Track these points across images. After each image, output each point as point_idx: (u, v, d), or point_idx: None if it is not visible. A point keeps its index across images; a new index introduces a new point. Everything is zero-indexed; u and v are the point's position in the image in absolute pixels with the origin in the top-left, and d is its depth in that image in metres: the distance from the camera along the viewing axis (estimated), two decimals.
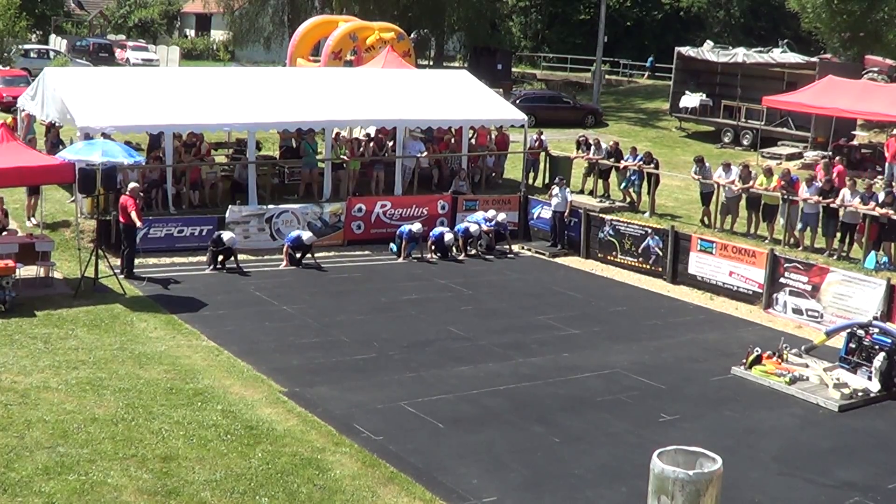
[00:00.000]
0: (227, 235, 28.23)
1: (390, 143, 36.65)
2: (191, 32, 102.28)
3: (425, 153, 36.70)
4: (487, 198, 34.98)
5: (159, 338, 21.59)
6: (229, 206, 30.19)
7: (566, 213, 33.04)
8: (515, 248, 33.28)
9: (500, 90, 51.49)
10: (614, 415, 19.27)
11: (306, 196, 33.93)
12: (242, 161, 33.63)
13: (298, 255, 29.13)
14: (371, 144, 36.17)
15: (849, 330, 22.92)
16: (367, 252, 31.18)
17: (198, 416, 17.32)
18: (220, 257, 28.21)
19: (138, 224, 26.23)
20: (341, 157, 34.56)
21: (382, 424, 17.69)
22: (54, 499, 13.89)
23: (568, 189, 33.77)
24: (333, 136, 35.04)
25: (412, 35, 66.45)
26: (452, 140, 38.50)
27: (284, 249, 29.12)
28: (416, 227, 31.14)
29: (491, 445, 17.29)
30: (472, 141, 38.91)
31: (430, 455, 16.61)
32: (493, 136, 39.80)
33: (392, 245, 31.32)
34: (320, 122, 34.11)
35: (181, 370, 19.61)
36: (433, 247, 31.50)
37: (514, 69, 75.60)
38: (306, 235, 29.21)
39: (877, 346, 21.94)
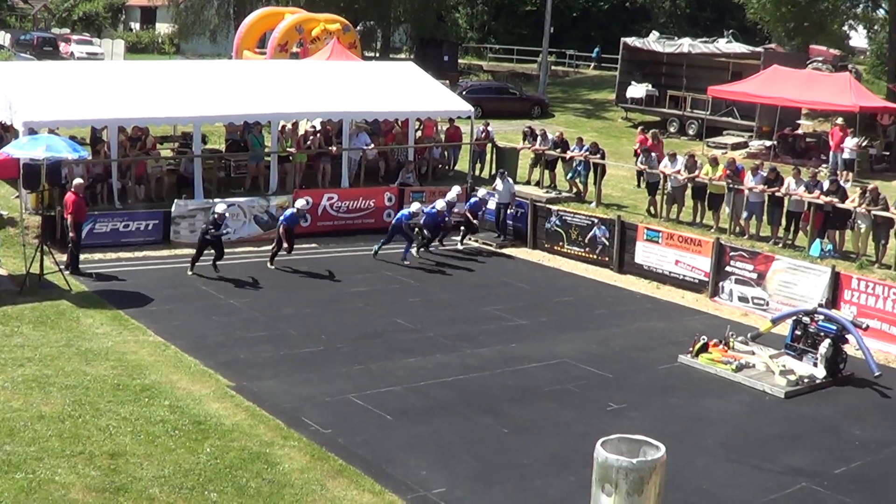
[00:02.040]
0: (220, 208, 27.91)
1: (336, 136, 36.60)
2: (136, 26, 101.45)
3: (371, 145, 36.65)
4: (434, 189, 34.98)
5: (106, 334, 21.46)
6: (175, 201, 30.04)
7: (510, 204, 33.12)
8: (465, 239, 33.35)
9: (447, 82, 51.57)
10: (562, 404, 19.37)
11: (253, 189, 33.83)
12: (188, 155, 33.46)
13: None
14: (317, 136, 36.07)
15: (794, 317, 23.16)
16: (314, 245, 31.10)
17: (145, 412, 17.25)
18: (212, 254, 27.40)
19: (71, 234, 25.97)
20: (287, 149, 34.51)
21: (331, 417, 17.70)
22: (1, 497, 13.80)
23: (511, 180, 33.76)
24: (279, 128, 34.96)
25: (358, 27, 66.34)
26: (399, 132, 38.50)
27: (280, 230, 28.70)
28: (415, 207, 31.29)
29: (439, 437, 17.35)
30: (419, 133, 38.95)
31: (379, 447, 16.64)
32: (440, 128, 39.90)
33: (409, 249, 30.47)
34: (266, 115, 33.99)
35: (128, 366, 19.51)
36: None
37: (460, 60, 75.57)
38: (301, 203, 29.40)
39: (822, 333, 22.18)
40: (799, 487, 16.51)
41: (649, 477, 11.71)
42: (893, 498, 16.39)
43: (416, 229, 30.83)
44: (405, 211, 30.82)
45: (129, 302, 24.06)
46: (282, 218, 29.03)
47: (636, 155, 37.16)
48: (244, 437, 16.53)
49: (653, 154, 34.20)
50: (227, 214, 27.63)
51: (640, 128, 44.21)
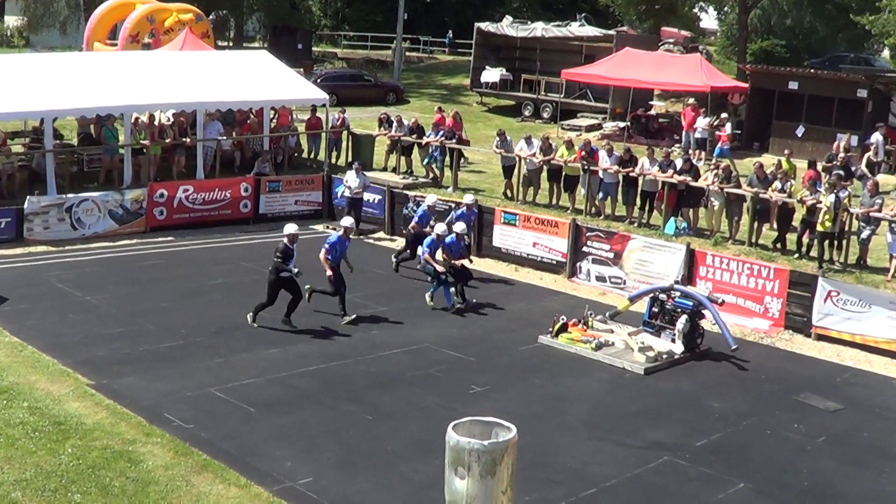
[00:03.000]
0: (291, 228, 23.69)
1: (191, 127, 36.25)
2: None
3: (224, 136, 36.35)
4: (291, 178, 34.83)
5: None
6: (28, 197, 29.41)
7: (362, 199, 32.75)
8: (320, 227, 33.23)
9: (301, 70, 51.37)
10: (425, 389, 19.46)
11: (107, 183, 33.32)
12: (40, 150, 32.87)
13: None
14: (173, 128, 35.67)
15: (651, 295, 23.51)
16: (170, 238, 30.73)
17: (4, 414, 16.90)
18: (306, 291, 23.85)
19: None
20: (141, 142, 34.07)
21: (193, 412, 17.55)
22: None
23: (365, 174, 33.40)
24: (133, 121, 34.49)
25: (211, 16, 65.65)
26: (254, 121, 38.26)
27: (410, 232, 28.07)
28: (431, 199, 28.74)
29: (303, 427, 17.30)
30: (274, 122, 38.75)
31: (243, 440, 16.56)
32: (296, 116, 39.74)
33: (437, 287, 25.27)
34: (119, 108, 33.45)
35: None
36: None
37: (314, 48, 75.32)
38: (431, 199, 28.69)
39: (679, 310, 22.57)
40: (661, 461, 16.80)
41: (501, 458, 11.77)
42: (753, 467, 16.76)
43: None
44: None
45: None
46: (415, 219, 28.51)
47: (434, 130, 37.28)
48: (106, 435, 16.29)
49: (508, 138, 34.42)
50: (297, 235, 23.32)
51: (437, 106, 44.25)
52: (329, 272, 23.35)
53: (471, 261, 26.59)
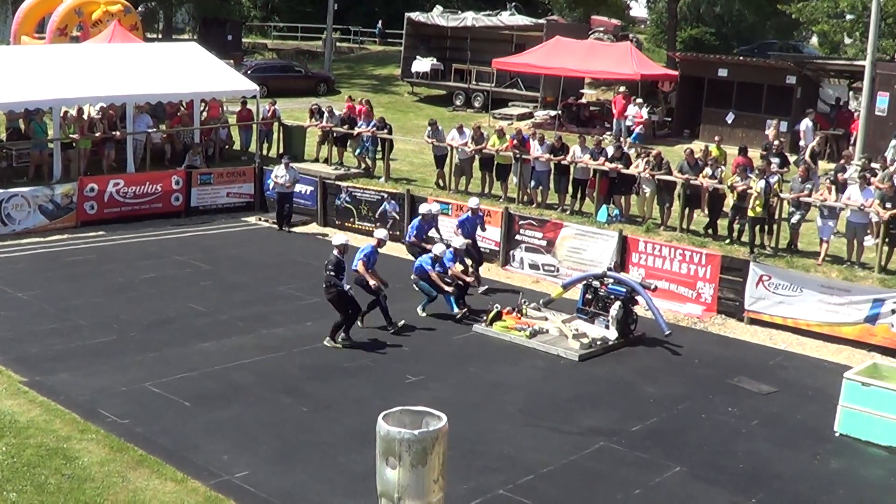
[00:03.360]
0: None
1: (121, 120, 35.95)
2: None
3: (154, 128, 36.08)
4: (222, 171, 34.64)
5: None
6: None
7: (292, 194, 32.43)
8: (252, 219, 33.09)
9: (231, 61, 51.01)
10: (360, 380, 19.46)
11: (36, 178, 32.97)
12: None
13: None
14: (102, 121, 35.34)
15: (584, 282, 23.67)
16: (101, 232, 30.46)
17: None
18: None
19: None
20: (71, 136, 33.74)
21: (128, 407, 17.42)
22: None
23: (295, 168, 32.89)
24: (62, 115, 34.14)
25: (139, 8, 65.09)
26: (184, 114, 38.02)
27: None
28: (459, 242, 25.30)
29: (239, 420, 17.25)
30: (205, 114, 38.53)
31: (179, 434, 16.48)
32: (226, 108, 39.54)
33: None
34: (48, 102, 33.07)
35: None
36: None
37: (244, 39, 74.81)
38: (473, 202, 27.23)
39: (612, 296, 22.73)
40: (597, 447, 16.92)
41: (432, 447, 11.78)
42: (688, 451, 16.92)
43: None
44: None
45: None
46: (410, 233, 26.69)
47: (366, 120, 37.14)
48: (40, 433, 16.15)
49: (440, 127, 34.41)
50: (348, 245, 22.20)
51: (347, 96, 44.14)
52: (373, 281, 22.41)
53: (478, 281, 25.56)
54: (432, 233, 26.79)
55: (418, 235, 26.43)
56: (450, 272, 23.80)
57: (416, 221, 26.79)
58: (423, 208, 27.23)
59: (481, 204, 27.75)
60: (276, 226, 31.97)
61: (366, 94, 52.05)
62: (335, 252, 21.42)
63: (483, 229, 27.73)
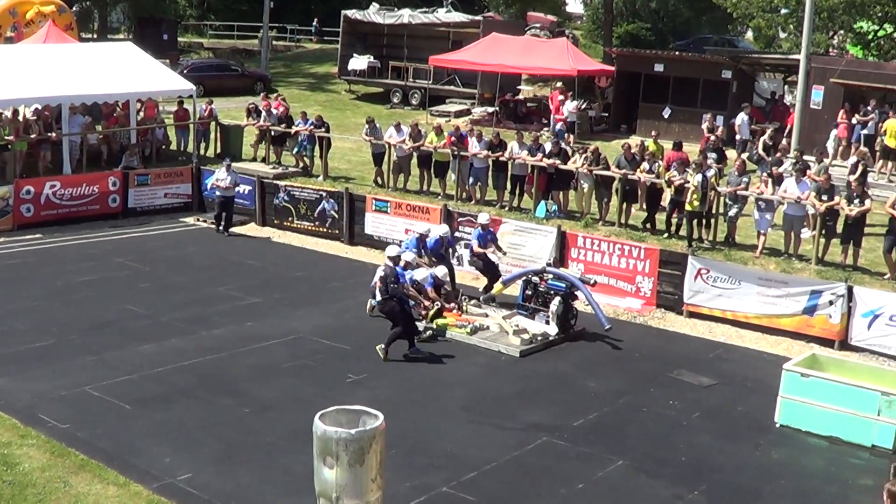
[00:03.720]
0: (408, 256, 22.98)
1: (56, 122, 35.64)
2: None
3: (89, 127, 35.80)
4: (159, 171, 34.44)
5: None
6: None
7: (233, 197, 31.87)
8: (191, 219, 32.93)
9: (167, 61, 50.70)
10: (302, 380, 19.42)
11: None
12: None
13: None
14: (38, 123, 35.02)
15: (524, 277, 23.72)
16: (38, 235, 30.18)
17: None
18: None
19: None
20: (6, 138, 33.41)
21: (68, 412, 17.28)
22: None
23: (235, 171, 32.27)
24: None
25: (74, 8, 64.47)
26: (120, 114, 37.76)
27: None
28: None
29: (181, 422, 17.16)
30: (141, 114, 38.28)
31: (120, 438, 16.37)
32: (162, 108, 39.32)
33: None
34: None
35: None
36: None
37: (180, 39, 74.22)
38: (484, 218, 26.05)
39: (552, 292, 22.82)
40: (540, 442, 16.99)
41: (370, 446, 11.79)
42: (630, 445, 17.02)
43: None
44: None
45: None
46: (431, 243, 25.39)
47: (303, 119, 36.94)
48: None
49: (377, 125, 34.37)
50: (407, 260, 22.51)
51: (263, 94, 44.01)
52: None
53: (460, 308, 23.94)
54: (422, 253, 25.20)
55: (480, 245, 25.45)
56: (430, 293, 23.34)
57: (477, 231, 25.74)
58: (439, 230, 25.94)
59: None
60: (214, 226, 31.70)
61: (303, 93, 51.95)
62: (390, 263, 21.45)
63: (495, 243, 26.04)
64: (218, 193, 31.43)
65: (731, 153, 34.66)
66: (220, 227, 31.57)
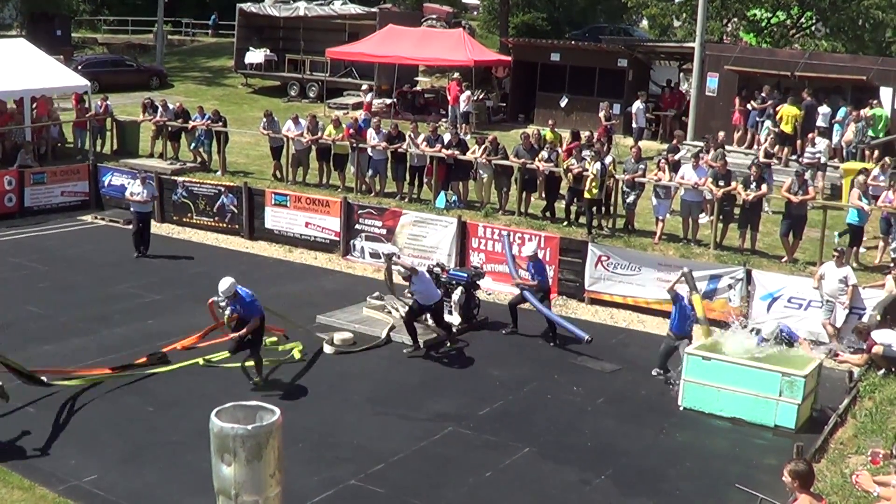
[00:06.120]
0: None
1: None
2: None
3: None
4: (55, 169, 34.01)
5: None
6: None
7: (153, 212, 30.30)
8: (89, 217, 32.58)
9: (61, 57, 49.90)
10: (206, 377, 19.39)
11: None
12: None
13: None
14: None
15: (426, 268, 23.75)
16: None
17: None
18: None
19: None
20: None
21: None
22: None
23: (153, 184, 30.26)
24: None
25: None
26: (14, 111, 37.23)
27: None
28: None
29: (85, 423, 17.05)
30: (35, 112, 37.77)
31: (24, 441, 16.22)
32: (57, 105, 38.86)
33: None
34: None
35: None
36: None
37: (74, 34, 73.25)
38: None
39: (454, 282, 22.92)
40: (446, 432, 17.15)
41: (267, 442, 11.74)
42: (536, 431, 17.22)
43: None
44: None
45: None
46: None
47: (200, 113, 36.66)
48: None
49: (275, 118, 34.22)
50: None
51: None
52: None
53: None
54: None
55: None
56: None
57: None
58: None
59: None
60: (114, 222, 31.25)
61: (199, 87, 51.54)
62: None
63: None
64: (133, 209, 28.76)
65: (628, 140, 35.04)
66: (139, 252, 28.44)
